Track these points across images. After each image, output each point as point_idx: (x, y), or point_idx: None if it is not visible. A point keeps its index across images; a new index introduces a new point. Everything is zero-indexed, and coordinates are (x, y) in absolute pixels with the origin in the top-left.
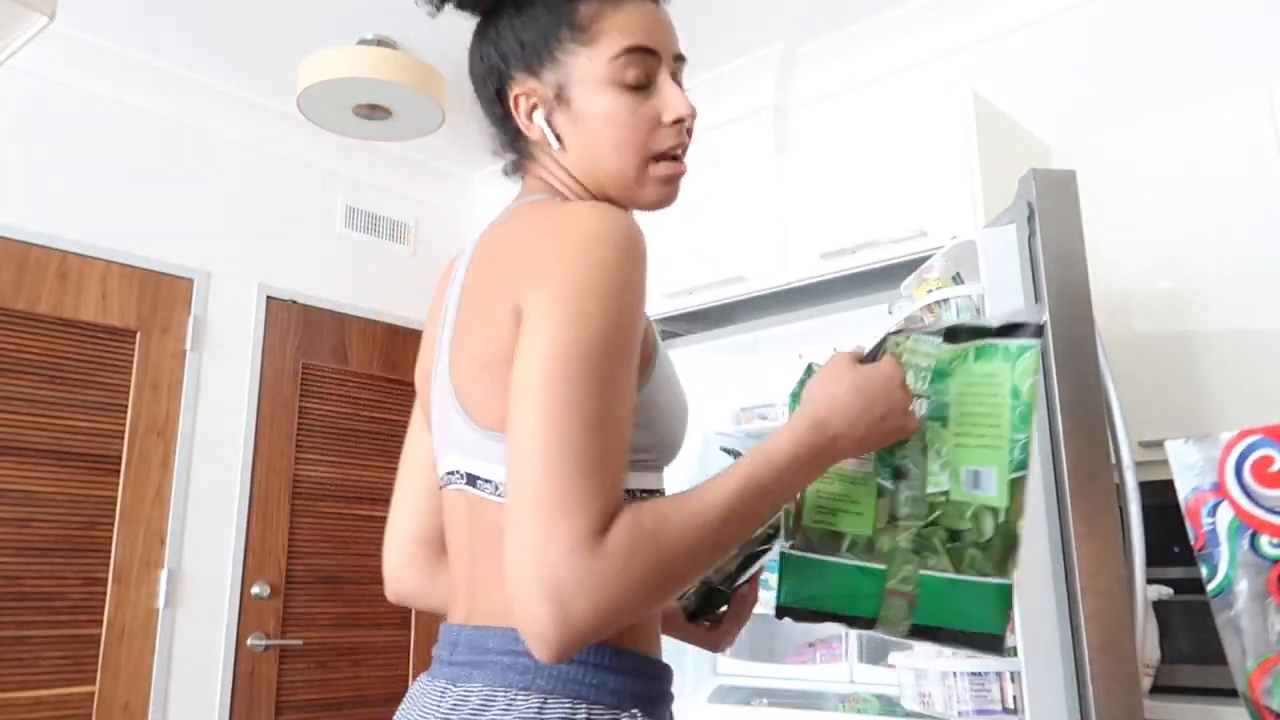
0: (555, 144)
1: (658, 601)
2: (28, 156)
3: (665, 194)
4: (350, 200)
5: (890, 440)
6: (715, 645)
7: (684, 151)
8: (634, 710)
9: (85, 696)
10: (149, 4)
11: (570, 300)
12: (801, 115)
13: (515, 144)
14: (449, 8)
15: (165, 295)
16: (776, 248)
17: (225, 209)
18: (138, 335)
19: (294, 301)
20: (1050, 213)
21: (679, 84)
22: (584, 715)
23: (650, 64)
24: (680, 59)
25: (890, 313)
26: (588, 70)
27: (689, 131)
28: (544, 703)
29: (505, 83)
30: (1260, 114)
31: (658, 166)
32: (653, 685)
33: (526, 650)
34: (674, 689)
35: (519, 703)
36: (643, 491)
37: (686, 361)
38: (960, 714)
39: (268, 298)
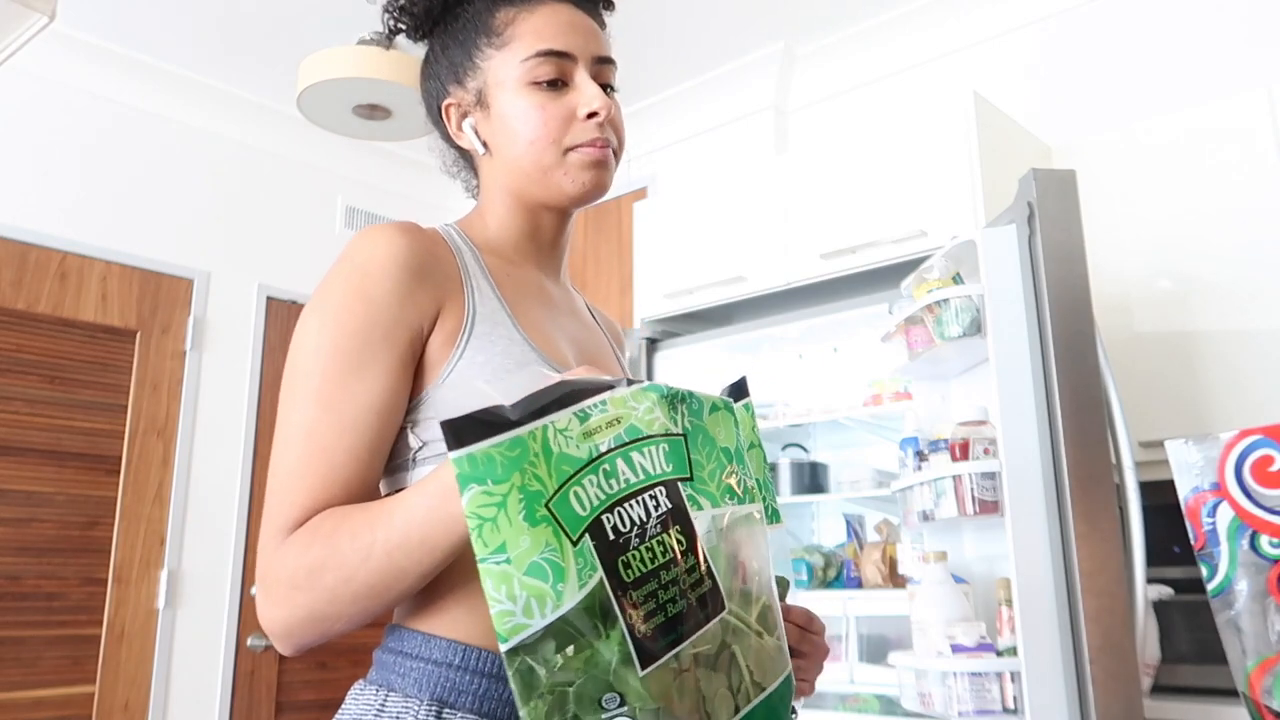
0: (481, 149)
1: (343, 601)
2: (28, 156)
3: (590, 180)
4: (350, 200)
5: None
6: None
7: (611, 149)
8: (430, 703)
9: (85, 696)
10: (149, 4)
11: (299, 322)
12: (801, 115)
13: (466, 160)
14: (399, 37)
15: (165, 295)
16: (776, 248)
17: (225, 209)
18: (138, 335)
19: (294, 302)
20: (1050, 213)
21: (610, 86)
22: (381, 701)
23: (565, 65)
24: (604, 61)
25: (891, 312)
26: (501, 73)
27: (614, 128)
28: (362, 688)
29: (442, 98)
30: (1260, 114)
31: (575, 153)
32: (477, 681)
33: (382, 643)
34: None
35: (354, 687)
36: None
37: (686, 361)
38: (960, 714)
39: (268, 298)
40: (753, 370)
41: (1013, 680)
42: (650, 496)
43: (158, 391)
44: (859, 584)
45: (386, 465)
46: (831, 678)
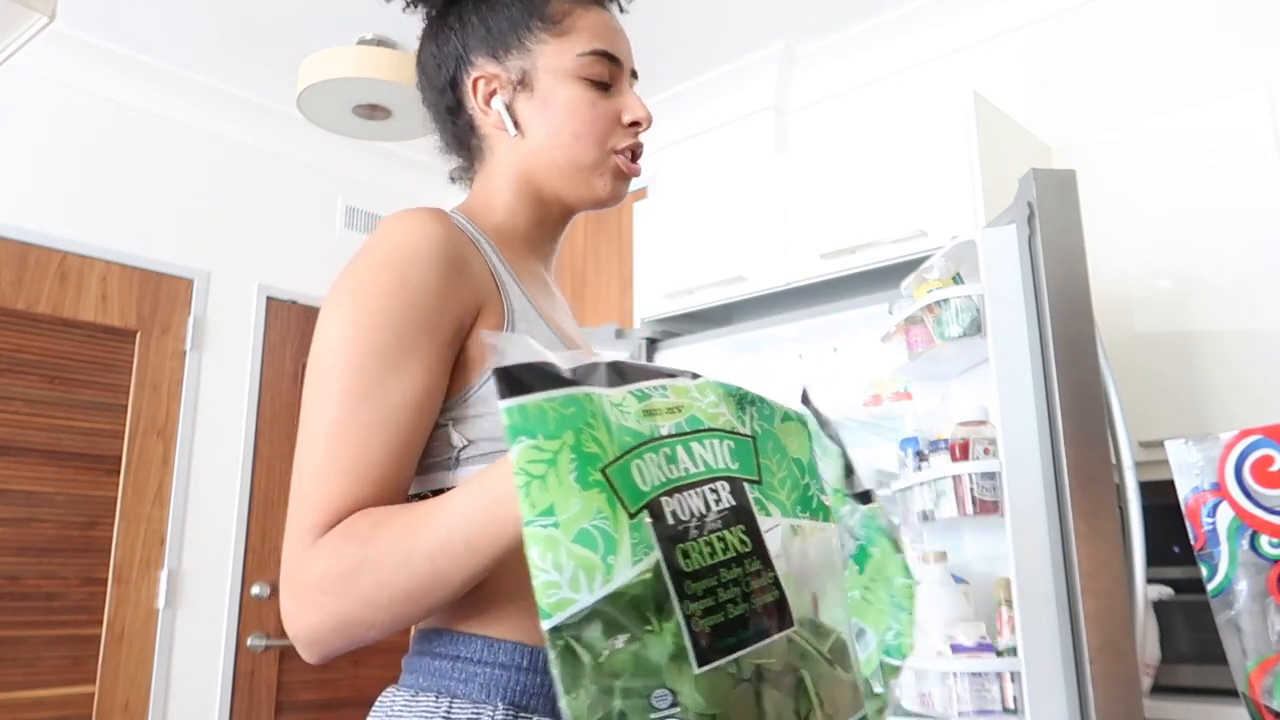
0: (513, 130)
1: (377, 607)
2: (27, 156)
3: (616, 189)
4: (350, 200)
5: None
6: None
7: (638, 158)
8: (505, 707)
9: (85, 696)
10: (149, 4)
11: (328, 309)
12: (801, 116)
13: (464, 139)
14: (399, 37)
15: (165, 295)
16: (776, 248)
17: (225, 209)
18: (138, 335)
19: (294, 302)
20: (1050, 213)
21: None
22: (445, 708)
23: (614, 70)
24: (635, 75)
25: (890, 312)
26: (556, 60)
27: (640, 142)
28: (413, 696)
29: (463, 69)
30: (1260, 114)
31: (616, 158)
32: (546, 682)
33: (421, 649)
34: None
35: (394, 697)
36: None
37: (686, 362)
38: (960, 714)
39: (268, 298)
40: (753, 370)
41: (1013, 680)
42: (711, 490)
43: (158, 391)
44: None
45: (421, 464)
46: None
